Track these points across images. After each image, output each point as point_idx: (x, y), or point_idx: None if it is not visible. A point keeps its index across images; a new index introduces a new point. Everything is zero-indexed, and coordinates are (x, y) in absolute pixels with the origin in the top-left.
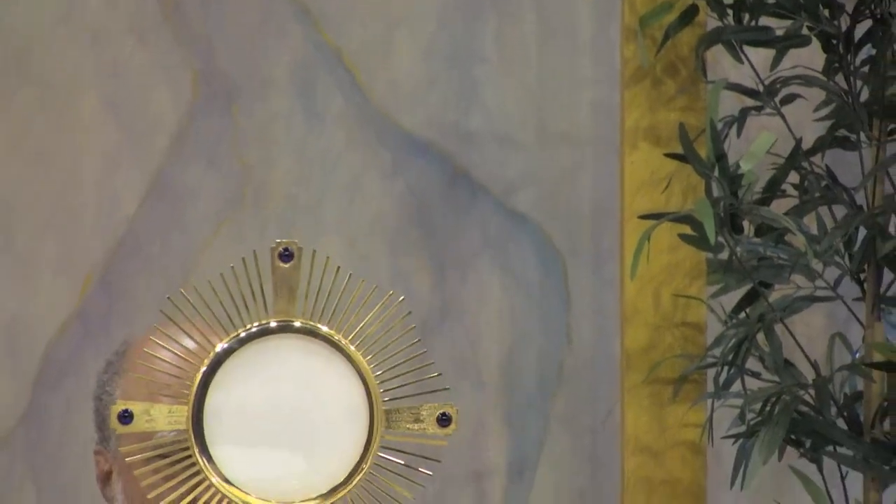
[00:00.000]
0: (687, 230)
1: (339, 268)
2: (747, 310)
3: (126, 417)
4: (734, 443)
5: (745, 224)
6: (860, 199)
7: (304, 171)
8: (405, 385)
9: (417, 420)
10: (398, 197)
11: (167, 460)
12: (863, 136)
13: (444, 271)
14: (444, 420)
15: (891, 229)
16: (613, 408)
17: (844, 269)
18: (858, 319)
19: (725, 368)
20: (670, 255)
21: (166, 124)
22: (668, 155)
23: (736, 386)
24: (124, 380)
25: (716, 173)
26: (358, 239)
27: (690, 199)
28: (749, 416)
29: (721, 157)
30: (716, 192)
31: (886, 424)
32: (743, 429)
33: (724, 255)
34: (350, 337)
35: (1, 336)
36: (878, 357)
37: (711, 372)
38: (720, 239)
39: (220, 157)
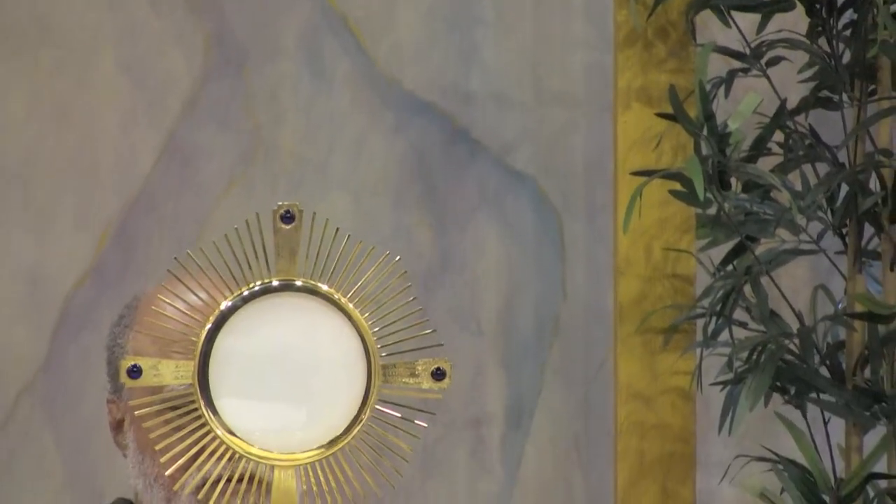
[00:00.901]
0: (677, 186)
1: (338, 229)
2: (734, 262)
3: (135, 372)
4: (722, 389)
5: (733, 181)
6: (842, 156)
7: (312, 130)
8: (401, 341)
9: (413, 375)
10: (401, 155)
11: (175, 413)
12: (844, 97)
13: (445, 226)
14: (438, 375)
15: (871, 186)
16: (607, 356)
17: (827, 223)
18: (840, 272)
19: (714, 318)
20: (661, 210)
21: (180, 86)
22: (659, 115)
23: (724, 335)
24: (135, 333)
25: (704, 132)
26: (363, 195)
27: (680, 157)
28: (736, 364)
29: (709, 116)
30: (705, 150)
31: (867, 372)
32: (730, 376)
33: (713, 211)
34: (349, 295)
35: (21, 288)
36: (859, 308)
37: (700, 322)
38: (709, 195)
39: (232, 118)
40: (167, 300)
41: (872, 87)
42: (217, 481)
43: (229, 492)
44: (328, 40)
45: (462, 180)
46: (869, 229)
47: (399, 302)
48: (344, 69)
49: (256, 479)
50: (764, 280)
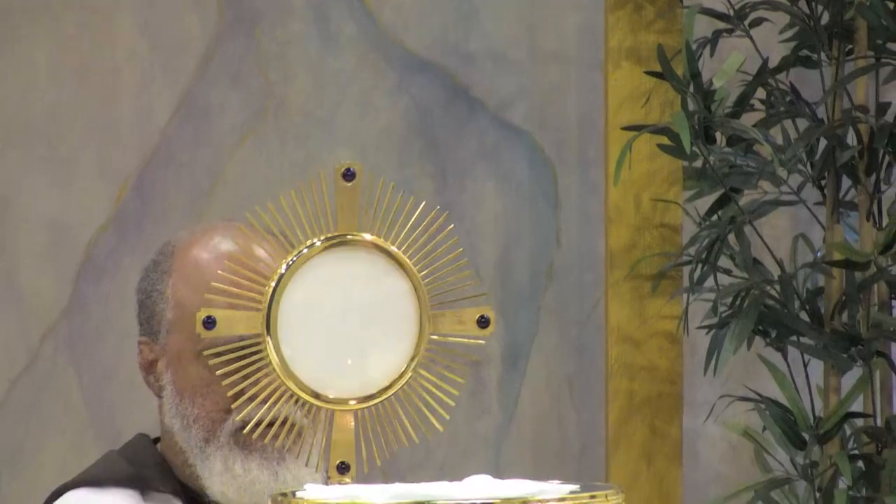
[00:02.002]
0: (665, 140)
1: (392, 185)
2: (719, 212)
3: (210, 323)
4: (707, 333)
5: (718, 135)
6: (821, 112)
7: (320, 88)
8: (449, 290)
9: (460, 322)
10: (404, 111)
11: (244, 361)
12: (823, 56)
13: (445, 178)
14: (483, 322)
15: (848, 140)
16: (598, 301)
17: (807, 176)
18: (819, 222)
19: (699, 266)
20: (649, 163)
21: (195, 46)
22: (647, 73)
23: (709, 282)
24: (174, 279)
25: (691, 89)
26: (368, 149)
27: (668, 113)
28: (721, 309)
29: (696, 74)
30: (691, 107)
31: (845, 317)
32: (715, 320)
33: (699, 163)
34: (402, 248)
35: (46, 236)
36: (837, 256)
37: (687, 269)
38: (695, 148)
39: (244, 76)
40: (241, 255)
41: (850, 46)
42: (258, 424)
43: (270, 435)
44: (336, 3)
45: (462, 135)
46: (846, 181)
47: (447, 254)
48: (350, 30)
49: (288, 423)
50: (747, 229)
